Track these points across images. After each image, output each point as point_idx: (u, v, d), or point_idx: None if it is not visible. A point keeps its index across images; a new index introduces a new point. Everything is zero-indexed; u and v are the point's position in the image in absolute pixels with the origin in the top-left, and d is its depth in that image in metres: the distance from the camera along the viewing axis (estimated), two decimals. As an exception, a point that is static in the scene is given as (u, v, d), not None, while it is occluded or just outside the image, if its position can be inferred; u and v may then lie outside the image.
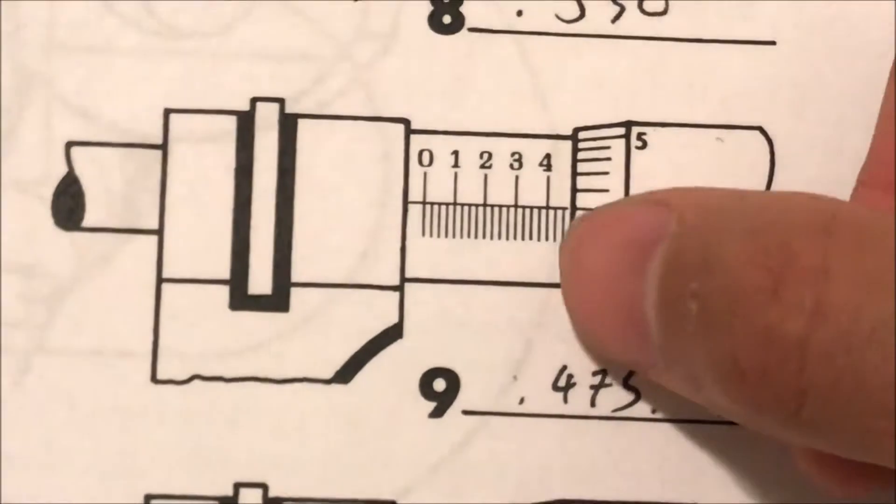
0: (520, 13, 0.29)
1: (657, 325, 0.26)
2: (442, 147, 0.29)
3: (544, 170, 0.29)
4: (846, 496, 0.27)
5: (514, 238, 0.29)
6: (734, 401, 0.25)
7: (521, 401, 0.28)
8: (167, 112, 0.29)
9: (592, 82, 0.29)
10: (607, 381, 0.29)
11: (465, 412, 0.28)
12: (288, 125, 0.29)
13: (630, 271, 0.26)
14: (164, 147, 0.29)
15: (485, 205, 0.29)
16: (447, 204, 0.29)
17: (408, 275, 0.28)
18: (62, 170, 0.28)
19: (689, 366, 0.26)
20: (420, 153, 0.29)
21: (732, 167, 0.29)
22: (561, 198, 0.29)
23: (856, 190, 0.28)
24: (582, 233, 0.28)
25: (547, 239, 0.29)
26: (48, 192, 0.28)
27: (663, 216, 0.26)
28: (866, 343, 0.23)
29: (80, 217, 0.28)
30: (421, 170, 0.29)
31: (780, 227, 0.25)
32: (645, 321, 0.26)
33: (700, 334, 0.25)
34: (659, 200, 0.27)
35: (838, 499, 0.27)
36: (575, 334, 0.29)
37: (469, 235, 0.29)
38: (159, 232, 0.28)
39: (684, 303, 0.25)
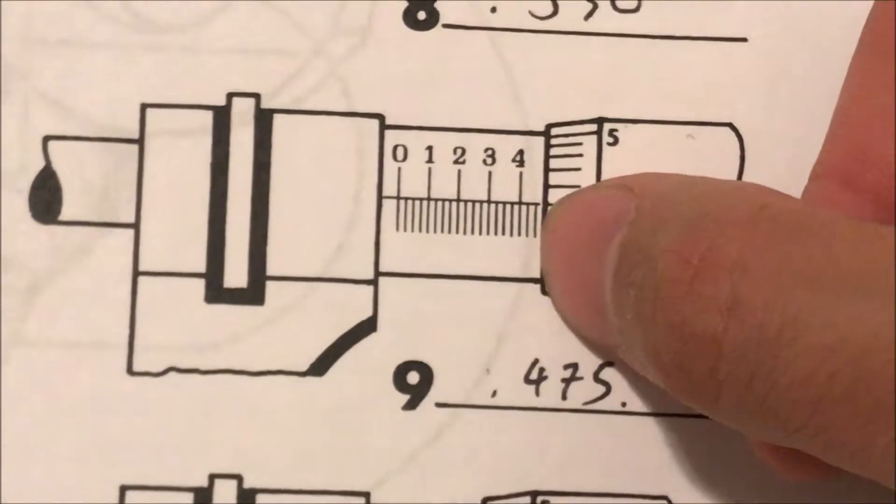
0: (494, 10, 0.29)
1: (611, 310, 0.26)
2: (416, 142, 0.29)
3: (517, 165, 0.29)
4: (799, 480, 0.27)
5: (487, 233, 0.29)
6: (666, 389, 0.25)
7: (494, 393, 0.29)
8: (144, 107, 0.29)
9: (565, 79, 0.29)
10: (578, 374, 0.29)
11: (439, 405, 0.29)
12: (263, 120, 0.29)
13: (594, 255, 0.27)
14: (140, 141, 0.29)
15: (458, 200, 0.29)
16: (421, 199, 0.29)
17: (382, 269, 0.29)
18: (39, 164, 0.29)
19: (637, 352, 0.26)
20: (394, 148, 0.29)
21: (703, 163, 0.29)
22: (533, 193, 0.29)
23: (809, 184, 0.28)
24: (558, 215, 0.28)
25: (519, 234, 0.29)
26: (25, 185, 0.29)
27: (626, 202, 0.27)
28: (776, 340, 0.23)
29: (58, 210, 0.29)
30: (395, 165, 0.29)
31: (708, 219, 0.25)
32: (606, 304, 0.27)
33: (635, 323, 0.25)
34: (625, 186, 0.27)
35: (796, 482, 0.28)
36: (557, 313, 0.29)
37: (443, 230, 0.29)
38: (136, 225, 0.29)
39: (627, 290, 0.26)
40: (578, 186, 0.29)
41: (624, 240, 0.26)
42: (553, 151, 0.29)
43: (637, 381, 0.29)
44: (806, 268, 0.23)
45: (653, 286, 0.25)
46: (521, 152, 0.29)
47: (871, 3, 0.28)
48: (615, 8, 0.29)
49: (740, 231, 0.24)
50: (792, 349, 0.23)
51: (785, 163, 0.29)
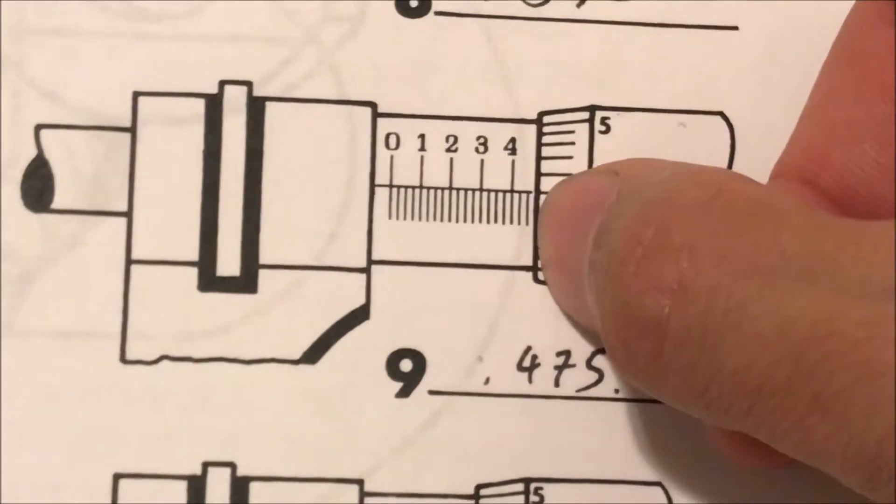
0: (486, -3, 0.29)
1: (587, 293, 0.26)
2: (408, 130, 0.29)
3: (509, 153, 0.29)
4: (751, 467, 0.28)
5: (480, 221, 0.29)
6: (617, 372, 0.25)
7: (487, 381, 0.29)
8: (136, 95, 0.29)
9: (557, 67, 0.29)
10: (571, 361, 0.29)
11: (432, 392, 0.29)
12: (256, 108, 0.29)
13: (582, 239, 0.27)
14: (132, 130, 0.29)
15: (450, 188, 0.29)
16: (413, 187, 0.29)
17: (374, 257, 0.29)
18: (31, 152, 0.29)
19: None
20: (387, 136, 0.29)
21: (694, 151, 0.29)
22: (525, 181, 0.29)
23: (769, 182, 0.28)
24: (553, 200, 0.29)
25: (511, 222, 0.29)
26: (17, 174, 0.29)
27: (610, 186, 0.27)
28: (721, 325, 0.23)
29: (50, 199, 0.29)
30: (387, 153, 0.29)
31: (663, 201, 0.25)
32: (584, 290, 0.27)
33: (594, 304, 0.25)
34: (612, 171, 0.27)
35: (751, 469, 0.28)
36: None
37: (435, 218, 0.29)
38: (128, 214, 0.29)
39: (591, 271, 0.26)
40: (570, 174, 0.29)
41: (600, 222, 0.26)
42: (545, 139, 0.29)
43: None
44: (754, 254, 0.23)
45: (605, 266, 0.25)
46: (513, 140, 0.29)
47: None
48: (607, -5, 0.29)
49: (692, 214, 0.24)
50: (736, 335, 0.23)
51: (775, 151, 0.29)
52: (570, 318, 0.29)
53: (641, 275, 0.24)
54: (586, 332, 0.29)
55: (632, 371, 0.25)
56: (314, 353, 0.29)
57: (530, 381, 0.29)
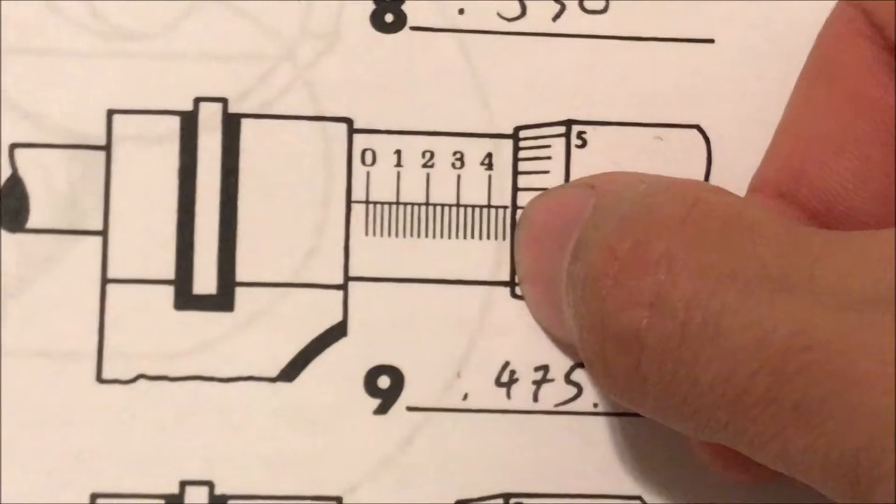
0: (461, 11, 0.29)
1: (565, 308, 0.26)
2: (384, 146, 0.29)
3: (486, 169, 0.29)
4: (735, 480, 0.28)
5: (456, 237, 0.29)
6: (596, 386, 0.25)
7: (465, 397, 0.29)
8: (110, 113, 0.29)
9: (533, 81, 0.29)
10: (549, 376, 0.29)
11: (410, 409, 0.29)
12: (231, 125, 0.29)
13: (556, 252, 0.27)
14: (107, 148, 0.29)
15: (427, 204, 0.29)
16: (390, 203, 0.29)
17: (351, 273, 0.29)
18: (6, 171, 0.28)
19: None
20: (363, 152, 0.29)
21: (671, 165, 0.29)
22: (502, 197, 0.29)
23: (746, 196, 0.28)
24: (529, 215, 0.29)
25: (489, 237, 0.29)
26: (-8, 193, 0.28)
27: (587, 200, 0.27)
28: (698, 337, 0.23)
29: (25, 219, 0.28)
30: (364, 169, 0.29)
31: (640, 215, 0.25)
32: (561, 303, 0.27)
33: (572, 318, 0.25)
34: (588, 184, 0.27)
35: (734, 483, 0.28)
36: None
37: (412, 234, 0.29)
38: (104, 233, 0.29)
39: (569, 286, 0.26)
40: (547, 189, 0.29)
41: (577, 236, 0.26)
42: (521, 154, 0.29)
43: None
44: (731, 266, 0.23)
45: (583, 280, 0.25)
46: (489, 155, 0.29)
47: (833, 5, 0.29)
48: (583, 9, 0.29)
49: (669, 227, 0.24)
50: (713, 347, 0.23)
51: (752, 163, 0.29)
52: (548, 332, 0.29)
53: (619, 288, 0.24)
54: (564, 347, 0.29)
55: (610, 384, 0.25)
56: (292, 371, 0.29)
57: (509, 396, 0.29)
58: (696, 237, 0.24)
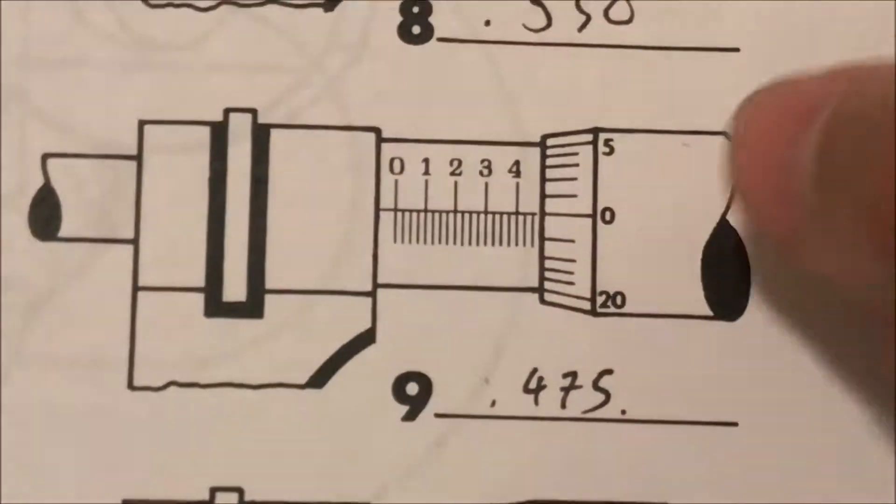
0: (488, 23, 0.30)
1: (811, 188, 0.25)
2: (412, 155, 0.29)
3: (513, 176, 0.29)
4: None
5: (485, 244, 0.29)
6: (878, 259, 0.23)
7: (493, 403, 0.29)
8: (141, 123, 0.29)
9: (560, 90, 0.29)
10: (577, 382, 0.29)
11: (438, 415, 0.29)
12: (261, 135, 0.29)
13: (791, 138, 0.26)
14: (138, 158, 0.29)
15: (455, 211, 0.29)
16: (418, 211, 0.29)
17: (380, 280, 0.29)
18: (38, 181, 0.29)
19: (841, 224, 0.24)
20: (391, 161, 0.29)
21: (698, 171, 0.29)
22: (530, 203, 0.29)
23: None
24: (755, 100, 0.27)
25: (516, 244, 0.29)
26: (25, 203, 0.29)
27: (832, 85, 0.25)
28: None
29: (57, 227, 0.29)
30: (392, 177, 0.29)
31: None
32: (800, 189, 0.25)
33: (843, 189, 0.24)
34: (834, 71, 0.26)
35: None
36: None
37: (440, 241, 0.29)
38: (135, 241, 0.29)
39: (833, 159, 0.24)
40: (575, 196, 0.29)
41: (833, 114, 0.25)
42: (549, 161, 0.29)
43: (637, 389, 0.29)
44: None
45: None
46: (517, 163, 0.29)
47: (863, 13, 0.29)
48: (608, 19, 0.30)
49: None
50: None
51: (779, 170, 0.29)
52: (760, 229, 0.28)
53: None
54: (593, 353, 0.29)
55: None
56: (321, 378, 0.29)
57: (536, 402, 0.29)
58: None
